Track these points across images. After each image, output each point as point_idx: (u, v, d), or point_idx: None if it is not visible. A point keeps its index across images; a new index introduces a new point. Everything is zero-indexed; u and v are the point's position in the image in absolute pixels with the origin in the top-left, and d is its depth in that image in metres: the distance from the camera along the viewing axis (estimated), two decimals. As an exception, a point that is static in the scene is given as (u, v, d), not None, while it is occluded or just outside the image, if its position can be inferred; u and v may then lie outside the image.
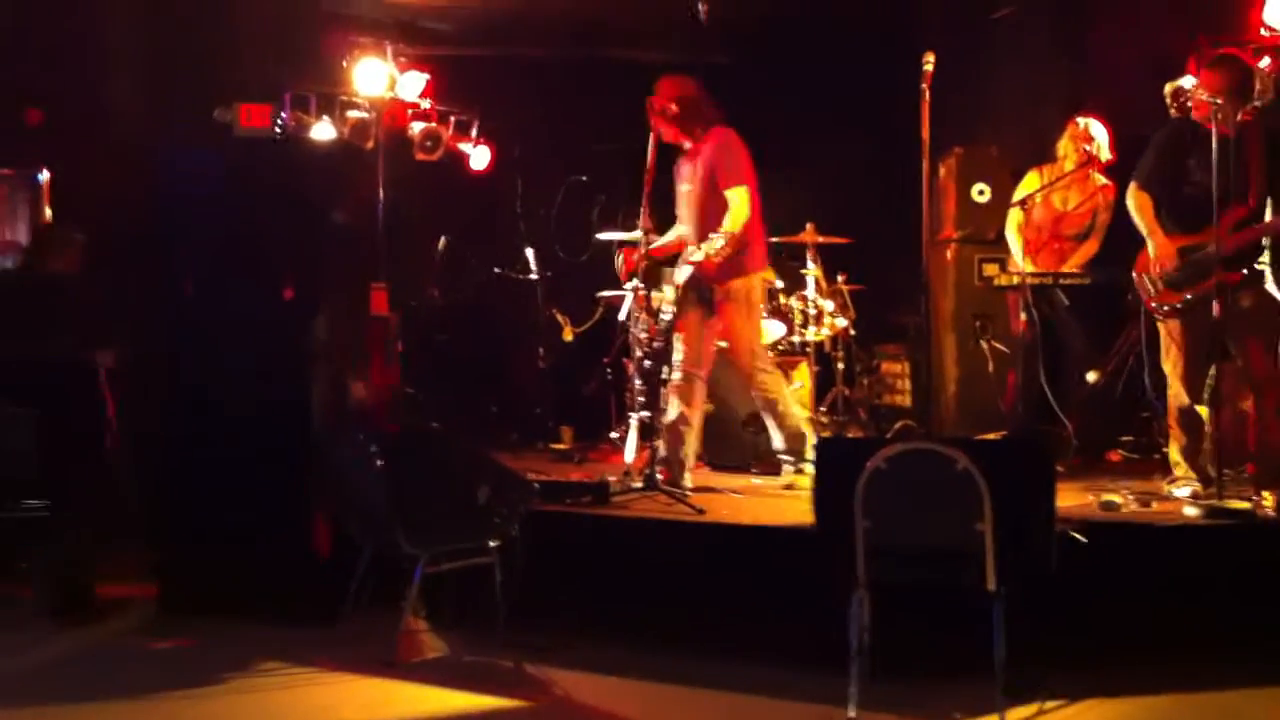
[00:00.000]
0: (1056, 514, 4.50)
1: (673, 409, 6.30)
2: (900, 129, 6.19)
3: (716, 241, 5.87)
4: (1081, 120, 7.09)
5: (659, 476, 5.97)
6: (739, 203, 6.08)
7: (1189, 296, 5.73)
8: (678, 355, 6.33)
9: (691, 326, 6.30)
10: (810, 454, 6.16)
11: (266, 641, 5.21)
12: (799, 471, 6.23)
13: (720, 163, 6.16)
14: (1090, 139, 6.98)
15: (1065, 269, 7.03)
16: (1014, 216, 7.02)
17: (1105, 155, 6.98)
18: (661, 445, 6.30)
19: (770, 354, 7.41)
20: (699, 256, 5.98)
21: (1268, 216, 5.64)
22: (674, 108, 6.21)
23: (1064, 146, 7.09)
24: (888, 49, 7.61)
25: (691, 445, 6.31)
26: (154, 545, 5.95)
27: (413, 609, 5.30)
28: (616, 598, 5.33)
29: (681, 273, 6.26)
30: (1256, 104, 5.70)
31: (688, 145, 6.34)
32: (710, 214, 6.14)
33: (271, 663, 5.00)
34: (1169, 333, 5.84)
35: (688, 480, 6.21)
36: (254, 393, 5.67)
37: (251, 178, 5.84)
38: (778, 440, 6.42)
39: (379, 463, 4.94)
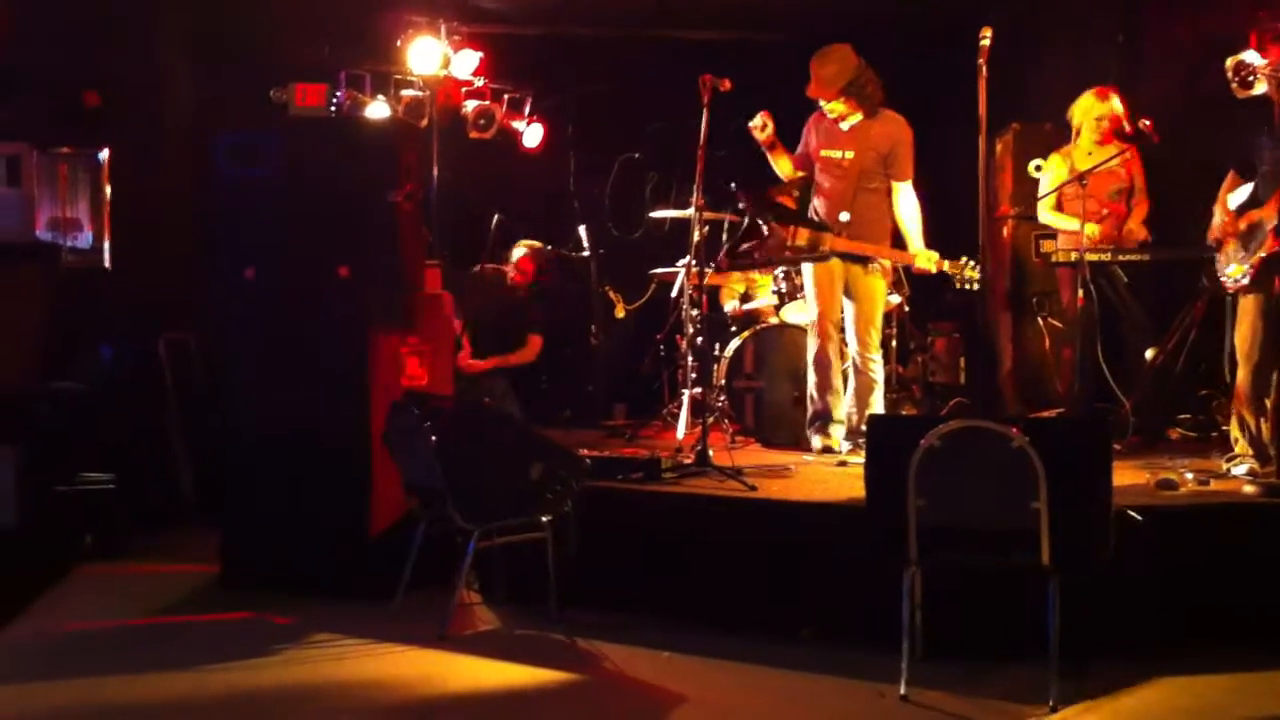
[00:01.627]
0: (1113, 493, 4.45)
1: (817, 378, 6.51)
2: (958, 104, 6.15)
3: (968, 270, 6.23)
4: (1102, 90, 7.01)
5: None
6: (913, 195, 6.34)
7: (1249, 269, 5.64)
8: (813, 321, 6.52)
9: (828, 291, 6.46)
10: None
11: (323, 616, 5.28)
12: (859, 450, 6.23)
13: (902, 150, 6.35)
14: (1113, 106, 6.91)
15: (1128, 230, 6.89)
16: (1046, 203, 6.98)
17: (1091, 122, 6.91)
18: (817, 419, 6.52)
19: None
20: (926, 264, 6.28)
21: None
22: (850, 88, 6.26)
23: (1089, 112, 6.99)
24: (946, 24, 7.54)
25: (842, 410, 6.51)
26: (216, 522, 6.04)
27: (466, 584, 5.36)
28: (668, 574, 5.34)
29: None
30: None
31: (855, 119, 6.37)
32: (867, 191, 6.34)
33: (327, 636, 5.07)
34: (1243, 308, 5.76)
35: (841, 444, 6.43)
36: (312, 371, 5.72)
37: (309, 158, 5.86)
38: (848, 423, 6.49)
39: (433, 438, 4.97)
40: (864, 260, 6.37)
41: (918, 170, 6.42)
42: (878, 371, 6.47)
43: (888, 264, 6.47)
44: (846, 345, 6.56)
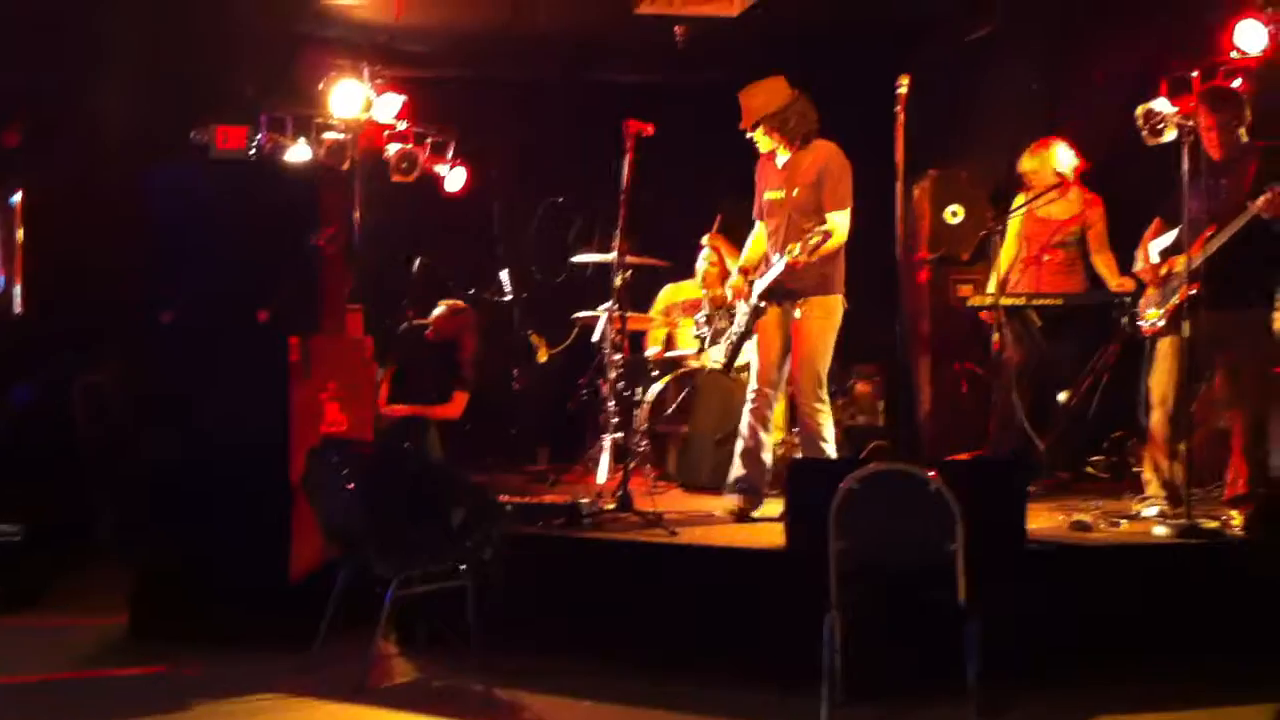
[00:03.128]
0: (1027, 534, 4.52)
1: (745, 432, 6.18)
2: (875, 151, 6.23)
3: (814, 238, 5.75)
4: (1045, 141, 7.16)
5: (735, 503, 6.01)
6: (840, 225, 5.97)
7: (1165, 314, 5.77)
8: (752, 372, 6.25)
9: (766, 341, 6.19)
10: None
11: (238, 668, 5.17)
12: None
13: (830, 178, 6.02)
14: (1054, 157, 7.04)
15: (1117, 286, 6.94)
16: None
17: (1073, 167, 7.04)
18: (741, 468, 6.18)
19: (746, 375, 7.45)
20: (795, 252, 5.82)
21: None
22: (773, 117, 6.10)
23: (1028, 165, 7.14)
24: (863, 71, 7.66)
25: (769, 467, 6.20)
26: (126, 570, 5.91)
27: (385, 633, 5.29)
28: (590, 620, 5.32)
29: (762, 281, 6.16)
30: (1243, 128, 5.79)
31: (786, 153, 6.21)
32: (800, 226, 6.00)
33: (241, 689, 4.96)
34: (1159, 352, 5.88)
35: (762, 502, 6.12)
36: (230, 416, 5.64)
37: (231, 200, 5.81)
38: None
39: (351, 484, 4.92)
40: (791, 298, 6.12)
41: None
42: (822, 421, 6.08)
43: (829, 302, 6.11)
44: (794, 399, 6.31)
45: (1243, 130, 5.78)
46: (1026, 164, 7.14)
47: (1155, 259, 5.96)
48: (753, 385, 6.22)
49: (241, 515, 5.56)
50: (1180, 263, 5.66)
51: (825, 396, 6.12)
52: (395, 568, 4.93)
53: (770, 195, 6.21)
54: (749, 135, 6.18)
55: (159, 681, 5.12)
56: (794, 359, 6.10)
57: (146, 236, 5.92)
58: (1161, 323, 5.80)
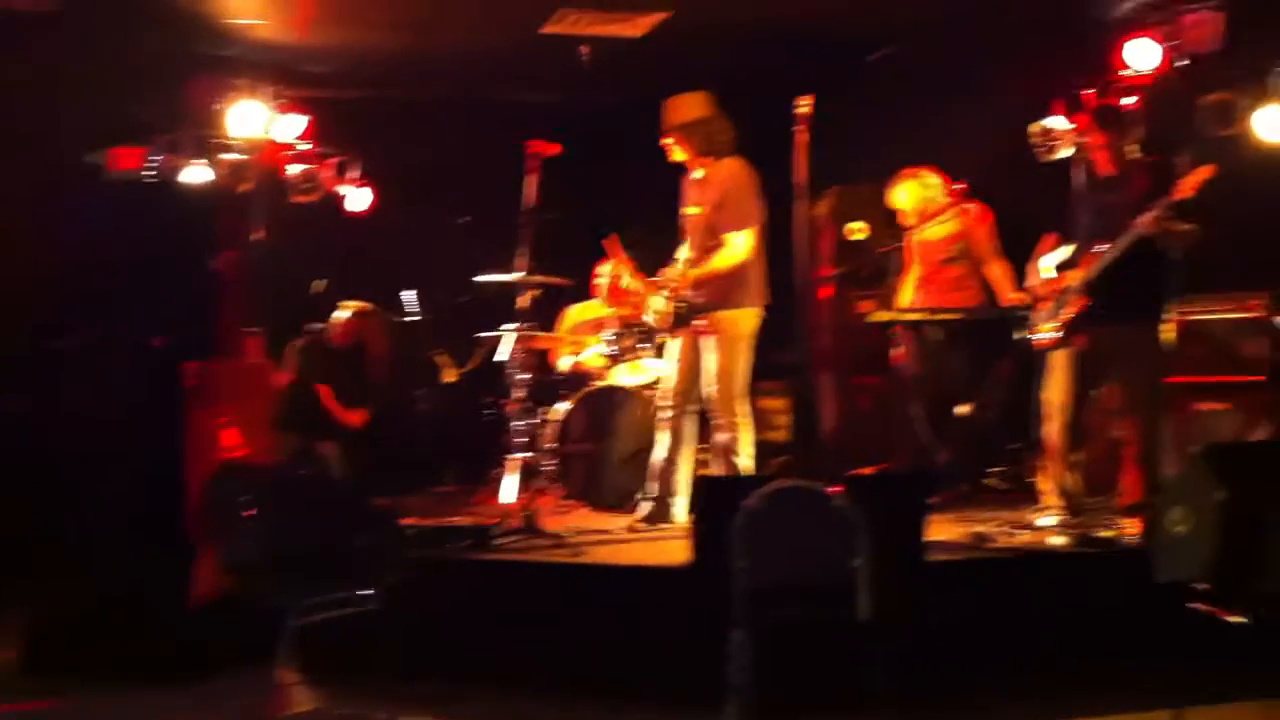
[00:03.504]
0: (928, 548, 4.57)
1: (660, 447, 6.24)
2: (780, 168, 6.29)
3: (672, 272, 5.95)
4: (912, 172, 7.30)
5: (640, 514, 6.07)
6: (737, 245, 6.02)
7: (1058, 327, 5.89)
8: (665, 388, 6.27)
9: (681, 355, 6.24)
10: (678, 512, 6.16)
11: (137, 701, 5.06)
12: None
13: (732, 198, 6.06)
14: (924, 186, 7.19)
15: (1011, 299, 7.07)
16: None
17: (938, 198, 7.17)
18: (654, 485, 6.24)
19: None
20: (626, 283, 6.06)
21: None
22: (685, 129, 6.14)
23: (901, 196, 7.26)
24: (767, 90, 7.73)
25: (682, 482, 6.24)
26: (16, 603, 5.76)
27: (286, 662, 5.19)
28: (496, 643, 5.27)
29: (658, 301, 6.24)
30: (1134, 146, 5.92)
31: (697, 168, 6.24)
32: (711, 244, 6.09)
33: (140, 722, 4.87)
34: (1052, 364, 5.98)
35: (678, 516, 6.15)
36: (125, 442, 5.54)
37: (125, 223, 5.72)
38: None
39: (251, 510, 4.84)
40: (700, 314, 6.15)
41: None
42: (740, 435, 6.12)
43: (739, 316, 6.13)
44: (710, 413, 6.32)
45: (1133, 147, 5.92)
46: (913, 191, 7.26)
47: (1046, 274, 6.07)
48: (666, 400, 6.24)
49: (139, 544, 5.45)
50: (1072, 277, 5.77)
51: (744, 410, 6.14)
52: (296, 595, 4.85)
53: (686, 211, 6.26)
54: (665, 144, 6.23)
55: (51, 717, 4.98)
56: (709, 374, 6.12)
57: (39, 261, 5.79)
58: (1055, 335, 5.92)
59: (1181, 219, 5.60)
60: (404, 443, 8.66)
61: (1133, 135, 5.91)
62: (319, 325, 7.84)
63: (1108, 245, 5.72)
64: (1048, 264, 6.10)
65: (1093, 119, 6.02)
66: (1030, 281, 6.17)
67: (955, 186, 6.80)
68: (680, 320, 6.22)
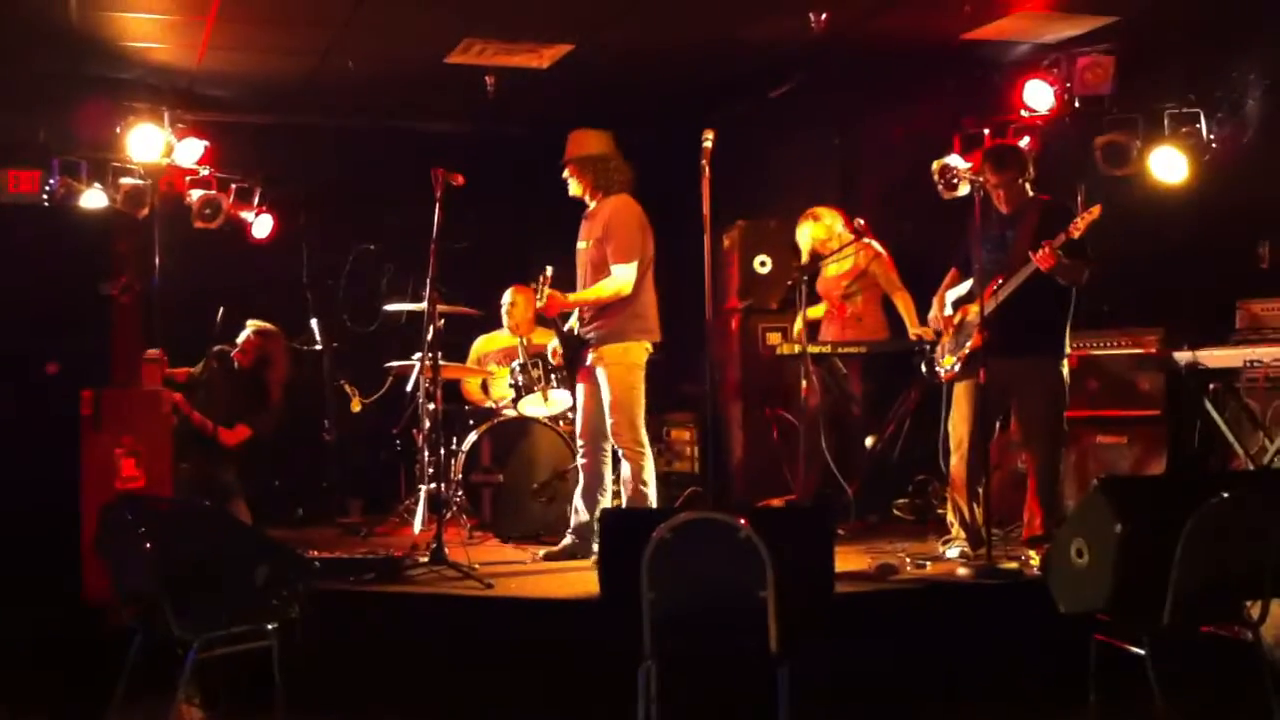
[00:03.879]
0: (834, 579, 4.59)
1: (579, 486, 6.29)
2: (685, 201, 6.32)
3: (543, 294, 6.04)
4: (812, 212, 7.40)
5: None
6: (620, 277, 6.08)
7: (958, 360, 5.98)
8: (578, 429, 6.33)
9: (584, 398, 6.29)
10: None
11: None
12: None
13: (614, 233, 6.12)
14: (824, 225, 7.30)
15: (915, 333, 7.18)
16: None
17: (838, 231, 7.27)
18: (574, 519, 6.28)
19: (561, 424, 7.44)
20: (539, 303, 6.10)
21: None
22: (584, 163, 6.21)
23: (806, 237, 7.35)
24: (671, 125, 7.79)
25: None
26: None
27: (186, 697, 5.07)
28: (403, 677, 5.20)
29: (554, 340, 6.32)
30: (1026, 183, 6.05)
31: (591, 204, 6.29)
32: (595, 277, 6.16)
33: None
34: (956, 397, 6.07)
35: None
36: (18, 472, 5.37)
37: (16, 247, 5.56)
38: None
39: (148, 543, 4.71)
40: (588, 348, 6.21)
41: (655, 266, 6.37)
42: (643, 464, 6.14)
43: (627, 350, 6.19)
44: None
45: (1026, 184, 6.05)
46: (815, 231, 7.35)
47: (949, 310, 6.18)
48: (579, 441, 6.31)
49: (30, 579, 5.28)
50: (973, 310, 5.88)
51: (643, 439, 6.19)
52: (195, 629, 4.73)
53: (579, 245, 6.32)
54: (565, 174, 6.29)
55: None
56: (605, 408, 6.16)
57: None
58: (957, 368, 6.01)
59: (1074, 257, 5.74)
60: (309, 472, 8.53)
61: (1024, 173, 6.04)
62: (224, 346, 7.70)
63: (1004, 281, 5.84)
64: (950, 299, 6.21)
65: (984, 160, 6.15)
66: (933, 314, 6.28)
67: (855, 223, 6.90)
68: (572, 359, 6.29)
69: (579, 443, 6.34)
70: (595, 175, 6.24)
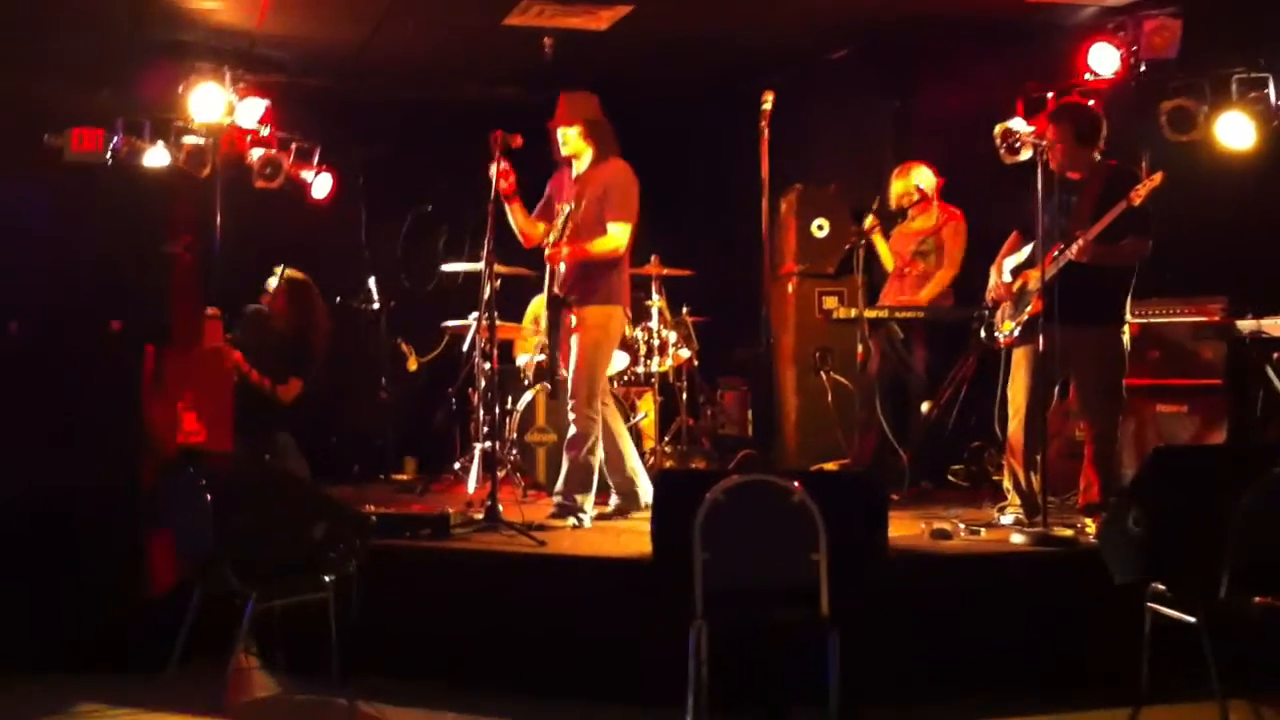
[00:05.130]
0: (888, 544, 4.59)
1: (599, 446, 6.28)
2: (743, 165, 6.30)
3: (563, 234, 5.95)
4: (905, 166, 7.37)
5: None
6: (616, 236, 6.08)
7: (1018, 326, 5.93)
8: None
9: (564, 353, 6.26)
10: (585, 507, 6.15)
11: (92, 689, 5.01)
12: (564, 517, 6.13)
13: (616, 194, 6.12)
14: (911, 179, 7.27)
15: (923, 295, 7.23)
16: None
17: (932, 185, 7.25)
18: (614, 478, 6.35)
19: (615, 385, 7.46)
20: (547, 250, 6.04)
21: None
22: (594, 124, 6.18)
23: (895, 192, 7.36)
24: (730, 87, 7.74)
25: (635, 467, 6.37)
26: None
27: (244, 649, 5.17)
28: (456, 633, 5.26)
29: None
30: (1100, 147, 5.95)
31: (584, 164, 6.26)
32: (587, 237, 6.12)
33: (95, 709, 4.81)
34: (1015, 362, 6.02)
35: (588, 509, 6.17)
36: (82, 428, 5.46)
37: (81, 207, 5.64)
38: (559, 481, 6.25)
39: (208, 496, 4.80)
40: (567, 306, 6.19)
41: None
42: (591, 430, 6.13)
43: (605, 312, 6.19)
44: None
45: (1095, 152, 5.95)
46: (895, 187, 7.35)
47: (1008, 277, 6.12)
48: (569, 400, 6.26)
49: (94, 534, 5.38)
50: (1033, 276, 5.82)
51: (598, 408, 6.19)
52: (253, 582, 4.82)
53: (562, 207, 6.26)
54: (560, 131, 6.20)
55: (8, 710, 4.92)
56: (573, 367, 6.16)
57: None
58: (1016, 334, 5.96)
59: (1133, 228, 5.65)
60: (366, 430, 8.62)
61: (1095, 137, 5.95)
62: (257, 306, 7.77)
63: (1064, 249, 5.77)
64: (1009, 267, 6.15)
65: (1061, 114, 6.03)
66: (992, 282, 6.21)
67: (940, 185, 6.89)
68: (554, 321, 6.24)
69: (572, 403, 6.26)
70: (601, 137, 6.23)
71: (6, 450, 5.55)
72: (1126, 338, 5.91)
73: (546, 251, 6.17)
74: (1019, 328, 5.95)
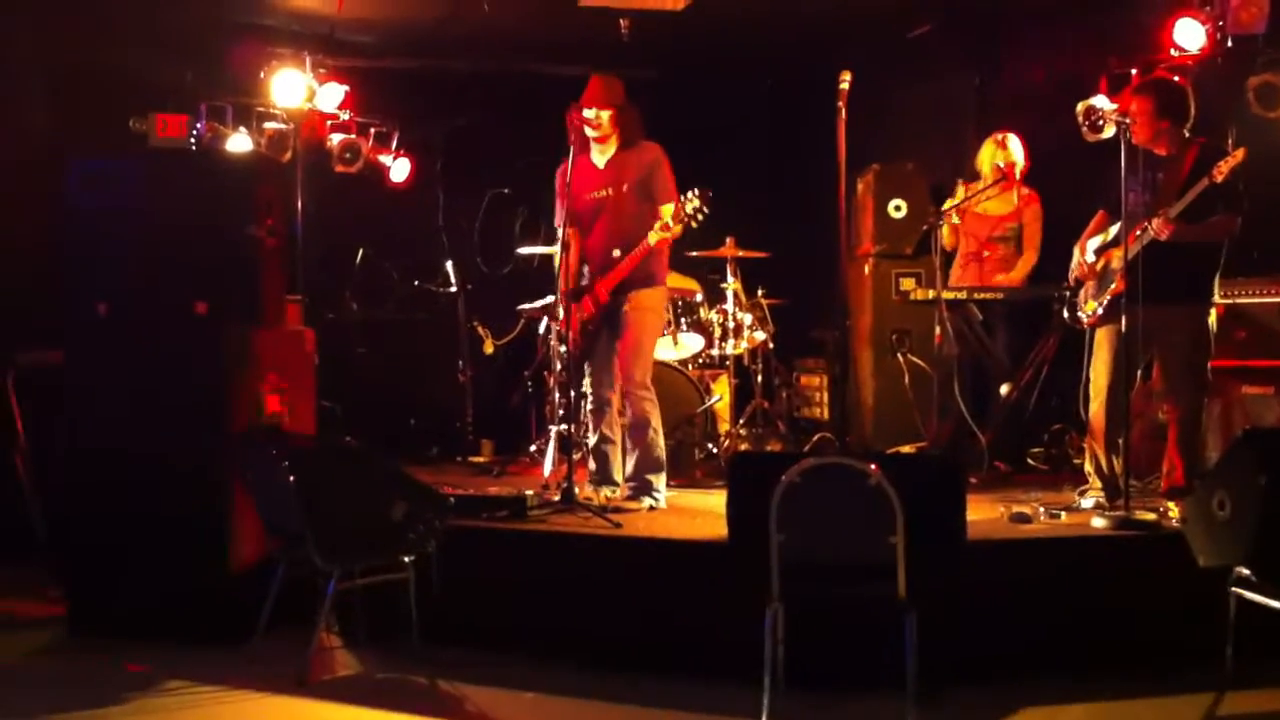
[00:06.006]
0: (967, 527, 4.55)
1: (591, 434, 6.31)
2: (820, 145, 6.26)
3: (667, 216, 5.90)
4: (999, 135, 7.27)
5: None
6: (671, 219, 6.02)
7: (1101, 306, 5.84)
8: (588, 377, 6.28)
9: (601, 344, 6.24)
10: (659, 487, 6.12)
11: (177, 661, 5.12)
12: (638, 498, 6.09)
13: (659, 176, 6.10)
14: (1006, 152, 7.17)
15: (1006, 280, 7.15)
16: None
17: (1019, 165, 7.15)
18: (592, 464, 6.32)
19: (690, 368, 7.47)
20: (654, 237, 5.93)
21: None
22: (624, 110, 6.16)
23: (983, 159, 7.27)
24: (807, 67, 7.70)
25: (618, 463, 6.27)
26: (63, 564, 5.83)
27: (326, 626, 5.26)
28: (533, 613, 5.31)
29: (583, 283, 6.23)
30: (1189, 124, 5.83)
31: (609, 149, 6.23)
32: (634, 221, 6.08)
33: (180, 682, 4.91)
34: (1098, 343, 5.94)
35: (661, 489, 6.15)
36: (168, 408, 5.57)
37: (166, 189, 5.74)
38: (628, 466, 6.20)
39: (291, 477, 4.88)
40: (621, 291, 6.14)
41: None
42: (650, 410, 6.13)
43: (657, 295, 6.23)
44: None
45: (1184, 129, 5.83)
46: (986, 152, 7.25)
47: (1091, 257, 6.02)
48: (589, 386, 6.27)
49: (181, 510, 5.49)
50: (1117, 256, 5.72)
51: (651, 386, 6.18)
52: (336, 561, 4.90)
53: (596, 194, 6.21)
54: (595, 113, 6.12)
55: (98, 673, 5.06)
56: (623, 350, 6.13)
57: (74, 227, 5.81)
58: (1100, 313, 5.88)
59: (1220, 205, 5.54)
60: (444, 412, 8.71)
61: (1183, 114, 5.82)
62: None
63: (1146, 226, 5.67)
64: (1092, 248, 6.05)
65: (1146, 90, 5.90)
66: (1076, 261, 6.12)
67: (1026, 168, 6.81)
68: (574, 303, 6.19)
69: (594, 390, 6.25)
70: (632, 121, 6.19)
71: (97, 427, 5.69)
72: (1213, 318, 5.79)
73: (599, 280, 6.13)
74: (1102, 307, 5.87)
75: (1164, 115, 5.72)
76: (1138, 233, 5.67)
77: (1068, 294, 6.24)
